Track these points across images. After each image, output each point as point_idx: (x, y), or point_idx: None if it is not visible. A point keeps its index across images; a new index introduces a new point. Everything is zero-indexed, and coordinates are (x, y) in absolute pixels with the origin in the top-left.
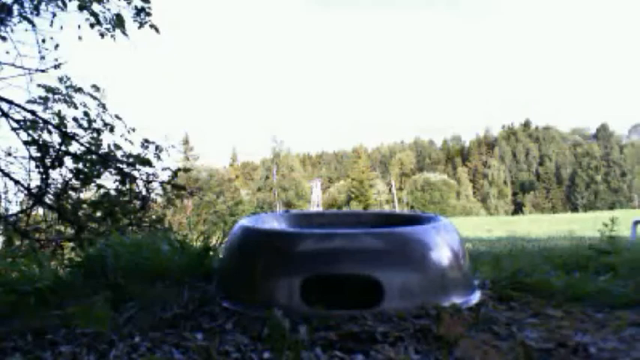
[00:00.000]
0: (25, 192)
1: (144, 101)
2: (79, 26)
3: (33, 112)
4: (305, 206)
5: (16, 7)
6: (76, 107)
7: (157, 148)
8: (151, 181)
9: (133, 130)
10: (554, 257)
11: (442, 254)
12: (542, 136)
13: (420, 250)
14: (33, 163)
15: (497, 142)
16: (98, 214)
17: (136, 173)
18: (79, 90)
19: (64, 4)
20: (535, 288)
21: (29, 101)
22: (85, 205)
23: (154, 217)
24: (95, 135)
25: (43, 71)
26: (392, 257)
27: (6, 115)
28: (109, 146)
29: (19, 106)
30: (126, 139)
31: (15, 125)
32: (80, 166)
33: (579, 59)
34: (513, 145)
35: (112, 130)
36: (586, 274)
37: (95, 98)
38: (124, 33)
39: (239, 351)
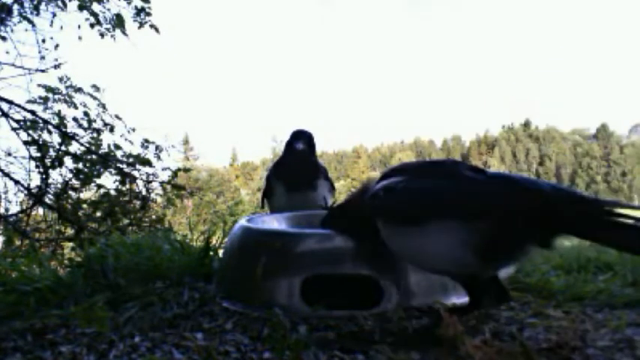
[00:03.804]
0: (25, 192)
1: (144, 101)
2: (79, 26)
3: (33, 112)
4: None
5: (16, 7)
6: (76, 107)
7: (157, 148)
8: (151, 181)
9: (133, 130)
10: (554, 257)
11: None
12: (542, 136)
13: None
14: (33, 163)
15: (497, 142)
16: (98, 214)
17: (136, 173)
18: (79, 90)
19: (64, 4)
20: (535, 288)
21: (29, 101)
22: (85, 205)
23: (153, 217)
24: (95, 135)
25: (43, 71)
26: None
27: (6, 115)
28: (109, 146)
29: (19, 106)
30: (126, 139)
31: (15, 125)
32: (80, 166)
33: (579, 59)
34: (513, 145)
35: (112, 130)
36: (586, 274)
37: (95, 98)
38: (124, 33)
39: (239, 351)
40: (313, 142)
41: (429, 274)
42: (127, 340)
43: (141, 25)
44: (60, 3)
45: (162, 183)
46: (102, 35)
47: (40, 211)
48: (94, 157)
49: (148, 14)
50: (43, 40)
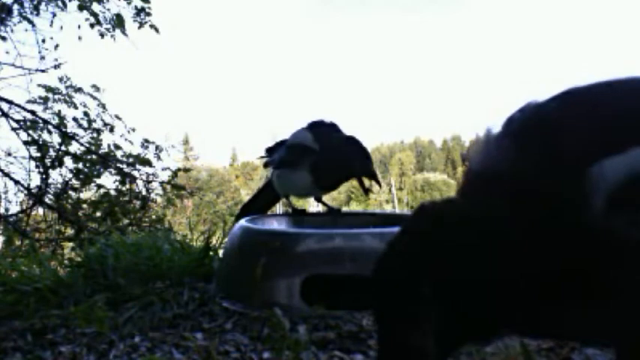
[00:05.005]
0: (25, 192)
1: (144, 101)
2: (79, 26)
3: (33, 112)
4: (305, 206)
5: (16, 7)
6: (76, 107)
7: (157, 148)
8: (151, 181)
9: (133, 130)
10: None
11: None
12: None
13: None
14: (33, 163)
15: None
16: (98, 214)
17: (136, 173)
18: (79, 90)
19: (64, 4)
20: None
21: (29, 101)
22: (85, 205)
23: (154, 217)
24: (95, 135)
25: (43, 71)
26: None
27: (6, 115)
28: (109, 146)
29: (19, 106)
30: (126, 139)
31: (15, 125)
32: (80, 166)
33: (579, 59)
34: None
35: (112, 130)
36: None
37: (95, 98)
38: (123, 33)
39: (239, 351)
40: None
41: None
42: (127, 340)
43: (141, 25)
44: (60, 3)
45: (162, 183)
46: (102, 35)
47: (40, 211)
48: (94, 157)
49: (148, 14)
50: (43, 40)
